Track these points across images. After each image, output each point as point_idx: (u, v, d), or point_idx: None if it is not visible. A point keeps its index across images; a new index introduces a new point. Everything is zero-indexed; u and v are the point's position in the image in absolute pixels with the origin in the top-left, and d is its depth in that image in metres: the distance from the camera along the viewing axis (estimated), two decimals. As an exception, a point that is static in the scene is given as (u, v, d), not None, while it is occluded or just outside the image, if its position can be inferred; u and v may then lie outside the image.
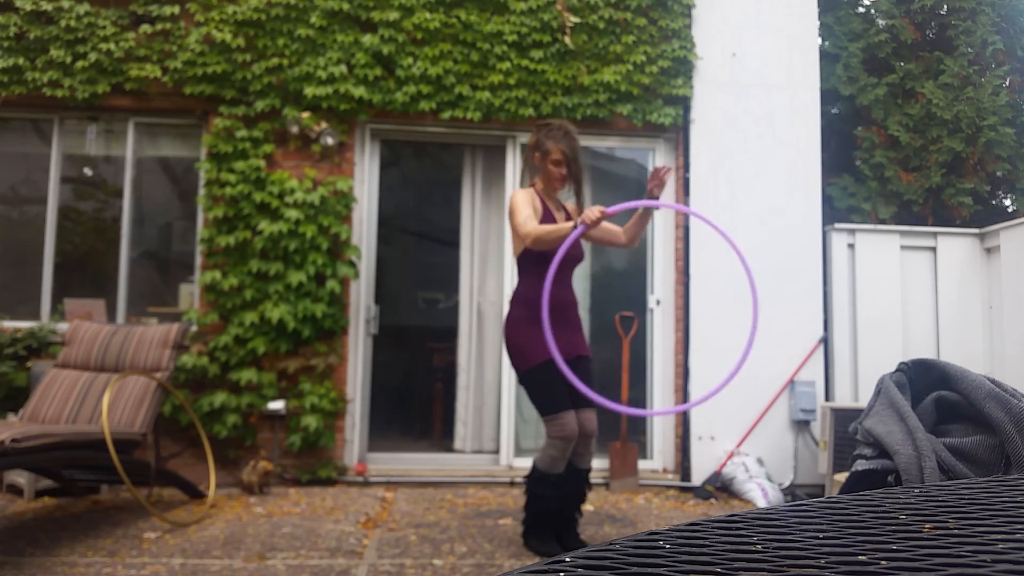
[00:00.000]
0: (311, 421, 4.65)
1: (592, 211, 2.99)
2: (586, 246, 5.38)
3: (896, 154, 5.61)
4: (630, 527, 3.93)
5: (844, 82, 5.60)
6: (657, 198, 3.23)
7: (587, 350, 3.40)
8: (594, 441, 3.35)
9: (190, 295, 5.10)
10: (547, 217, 3.32)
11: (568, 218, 3.42)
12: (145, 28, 4.88)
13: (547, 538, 3.33)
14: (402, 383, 6.86)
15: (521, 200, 3.29)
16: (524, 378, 3.27)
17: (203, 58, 4.88)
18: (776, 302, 5.06)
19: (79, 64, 4.81)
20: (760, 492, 4.58)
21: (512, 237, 3.36)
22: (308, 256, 4.76)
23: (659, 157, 5.35)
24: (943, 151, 5.51)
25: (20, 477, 4.27)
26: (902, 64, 5.74)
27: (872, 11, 5.96)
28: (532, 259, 3.29)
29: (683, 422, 5.03)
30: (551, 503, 3.29)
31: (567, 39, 5.05)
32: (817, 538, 0.49)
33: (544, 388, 3.21)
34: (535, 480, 3.29)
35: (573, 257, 3.32)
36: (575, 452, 3.30)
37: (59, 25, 4.82)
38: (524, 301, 3.28)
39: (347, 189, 4.92)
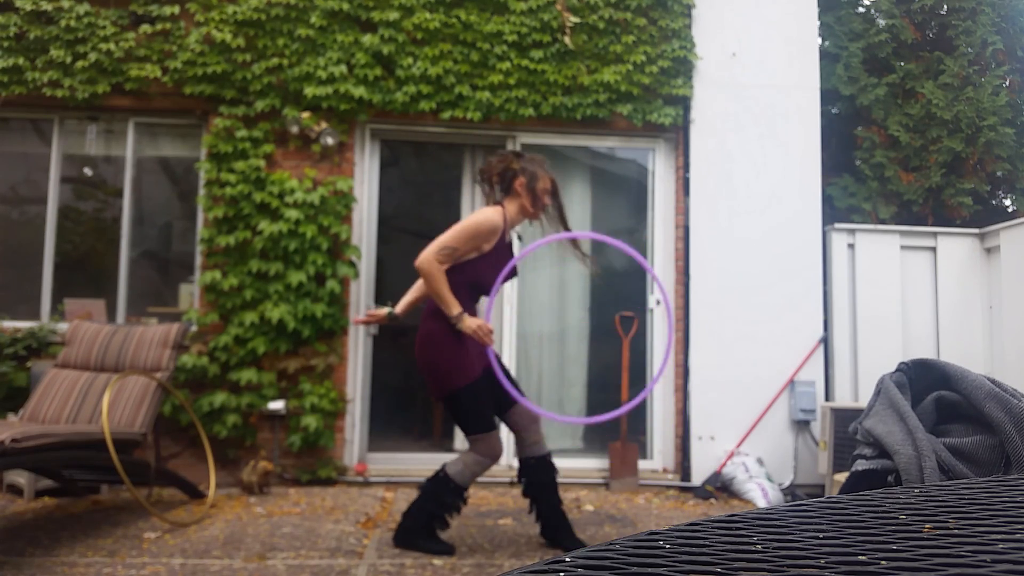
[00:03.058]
0: (311, 421, 4.65)
1: (486, 332, 3.05)
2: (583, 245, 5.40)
3: (896, 154, 5.61)
4: (630, 527, 3.93)
5: (844, 82, 5.60)
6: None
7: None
8: (540, 424, 3.36)
9: (190, 295, 5.10)
10: (503, 248, 3.26)
11: (510, 247, 3.37)
12: (145, 28, 4.88)
13: (439, 538, 3.35)
14: (402, 383, 6.85)
15: (480, 224, 3.16)
16: (455, 396, 3.18)
17: (203, 58, 4.88)
18: (776, 302, 5.06)
19: (79, 64, 4.81)
20: (760, 492, 4.58)
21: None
22: (308, 256, 4.76)
23: (659, 157, 5.34)
24: (943, 151, 5.51)
25: (20, 477, 4.27)
26: (902, 64, 5.74)
27: (872, 11, 5.96)
28: (465, 277, 3.20)
29: (683, 422, 5.03)
30: (451, 510, 3.30)
31: (567, 39, 5.04)
32: (817, 538, 0.49)
33: (476, 407, 3.20)
34: (451, 491, 3.25)
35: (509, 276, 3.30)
36: (531, 441, 3.30)
37: (59, 25, 4.82)
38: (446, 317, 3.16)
39: (347, 189, 4.92)
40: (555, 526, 3.40)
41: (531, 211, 3.30)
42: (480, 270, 3.21)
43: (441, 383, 3.18)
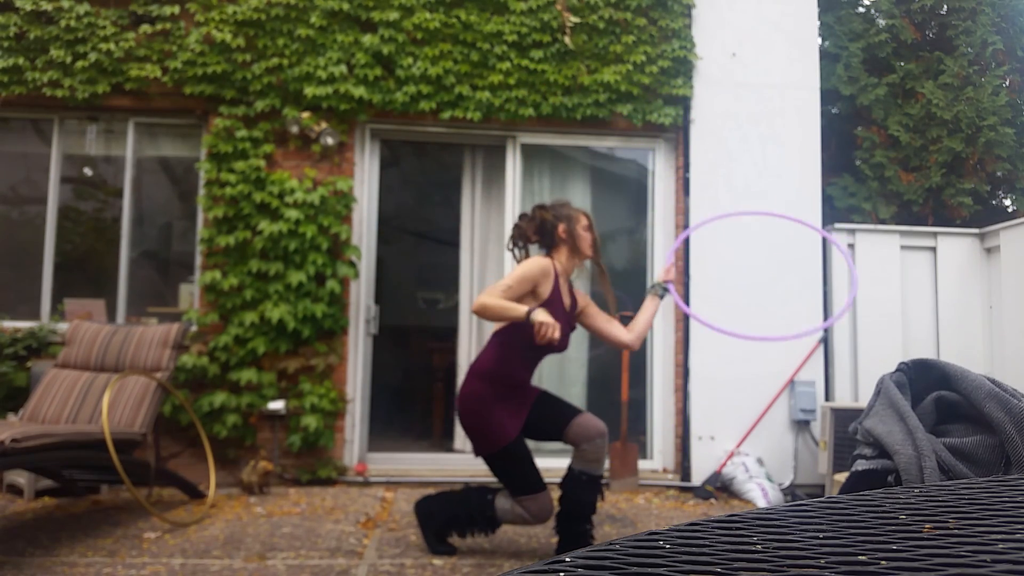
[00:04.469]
0: (311, 421, 4.65)
1: (554, 330, 2.85)
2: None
3: (896, 154, 5.61)
4: (630, 527, 3.93)
5: (844, 82, 5.60)
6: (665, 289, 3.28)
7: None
8: (605, 441, 3.18)
9: (190, 295, 5.10)
10: (557, 301, 3.13)
11: (574, 304, 3.27)
12: (145, 28, 4.88)
13: (445, 540, 3.32)
14: (402, 383, 6.86)
15: (527, 272, 3.04)
16: (500, 455, 3.11)
17: (203, 58, 4.88)
18: (776, 302, 5.06)
19: (79, 64, 4.81)
20: (760, 492, 4.58)
21: None
22: (308, 256, 4.76)
23: (659, 157, 5.34)
24: (943, 151, 5.51)
25: (20, 477, 4.27)
26: (902, 64, 5.73)
27: (872, 11, 5.96)
28: (516, 339, 3.09)
29: (683, 422, 5.03)
30: (471, 529, 3.24)
31: (567, 39, 5.04)
32: (817, 538, 0.49)
33: (524, 463, 3.12)
34: (486, 519, 3.17)
35: (558, 347, 3.16)
36: (592, 458, 3.14)
37: (59, 25, 4.82)
38: (493, 379, 3.11)
39: (347, 189, 4.92)
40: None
41: (585, 251, 3.23)
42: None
43: (479, 442, 3.13)
